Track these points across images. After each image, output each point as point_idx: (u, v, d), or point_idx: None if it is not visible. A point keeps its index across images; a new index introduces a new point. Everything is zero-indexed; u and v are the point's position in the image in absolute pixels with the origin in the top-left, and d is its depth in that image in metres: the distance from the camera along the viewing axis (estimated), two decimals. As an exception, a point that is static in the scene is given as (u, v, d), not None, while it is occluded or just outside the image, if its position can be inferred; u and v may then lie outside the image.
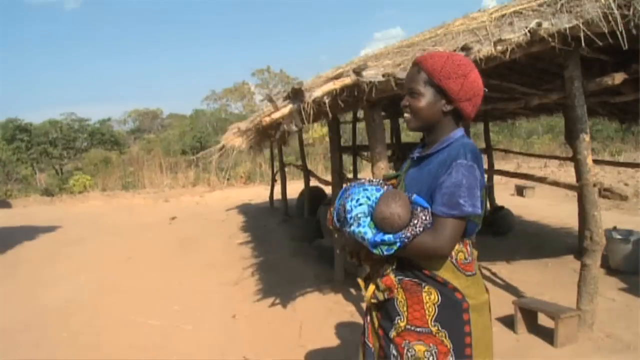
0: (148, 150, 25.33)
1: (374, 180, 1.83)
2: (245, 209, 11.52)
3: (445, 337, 1.65)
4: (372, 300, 1.75)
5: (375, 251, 1.61)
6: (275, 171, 10.00)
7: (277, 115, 2.90)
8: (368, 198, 1.68)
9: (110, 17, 77.33)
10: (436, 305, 1.66)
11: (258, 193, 14.61)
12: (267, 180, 17.72)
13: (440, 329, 1.65)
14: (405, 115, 1.78)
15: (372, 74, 3.00)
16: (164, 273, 6.34)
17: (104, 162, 21.62)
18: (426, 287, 1.67)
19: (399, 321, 1.71)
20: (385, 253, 1.61)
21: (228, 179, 18.34)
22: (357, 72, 3.01)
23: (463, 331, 1.67)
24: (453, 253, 1.66)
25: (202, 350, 4.02)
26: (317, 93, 2.94)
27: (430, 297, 1.66)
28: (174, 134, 28.28)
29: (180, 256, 7.23)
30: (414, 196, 1.66)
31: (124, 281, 6.06)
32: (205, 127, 26.78)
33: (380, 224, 1.61)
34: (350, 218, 1.66)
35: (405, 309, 1.70)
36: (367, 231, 1.61)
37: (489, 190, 7.83)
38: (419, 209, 1.61)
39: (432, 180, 1.65)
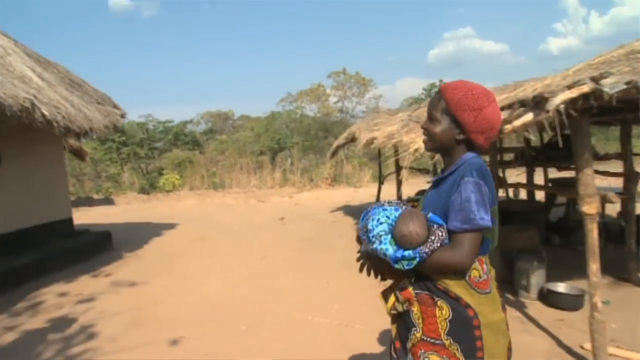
0: (221, 150, 26.12)
1: (392, 201, 1.98)
2: (350, 211, 11.63)
3: (457, 351, 1.74)
4: (392, 312, 1.89)
5: (396, 266, 1.74)
6: (387, 173, 10.05)
7: (519, 123, 2.94)
8: (387, 217, 1.83)
9: (184, 24, 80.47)
10: (447, 321, 1.76)
11: (349, 195, 14.73)
12: (353, 182, 17.90)
13: (452, 342, 1.75)
14: (423, 137, 1.96)
15: (612, 82, 2.99)
16: (306, 273, 6.52)
17: (189, 162, 22.48)
18: (439, 302, 1.78)
19: (415, 332, 1.82)
20: (405, 268, 1.73)
21: (312, 180, 18.61)
22: (595, 80, 3.01)
23: (475, 346, 1.74)
24: (468, 273, 1.77)
25: (382, 349, 4.11)
26: (557, 101, 2.95)
27: (442, 312, 1.77)
28: (246, 135, 29.00)
29: (312, 256, 7.41)
30: (430, 214, 1.79)
31: (272, 280, 6.28)
32: (281, 129, 27.28)
33: (400, 241, 1.75)
34: (373, 236, 1.80)
35: (420, 321, 1.81)
36: (388, 248, 1.75)
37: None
38: (435, 226, 1.75)
39: (445, 200, 1.78)
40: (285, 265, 6.99)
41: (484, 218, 1.70)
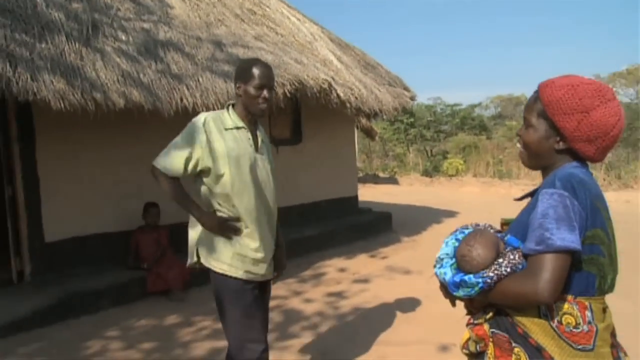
0: (510, 137, 24.44)
1: (481, 224, 1.63)
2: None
3: None
4: (464, 351, 1.63)
5: (455, 294, 1.51)
6: None
7: None
8: (457, 240, 1.59)
9: (479, 8, 79.24)
10: None
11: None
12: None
13: None
14: (518, 145, 1.64)
15: None
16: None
17: (474, 147, 21.76)
18: (516, 349, 1.44)
19: None
20: (464, 295, 1.50)
21: (619, 178, 15.74)
22: None
23: None
24: (557, 316, 1.39)
25: None
26: None
27: None
28: (538, 121, 26.37)
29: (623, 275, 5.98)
30: (508, 236, 1.53)
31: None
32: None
33: (459, 263, 1.52)
34: (436, 260, 1.61)
35: None
36: (447, 271, 1.54)
37: None
38: (508, 248, 1.49)
39: (526, 219, 1.48)
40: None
41: (565, 238, 1.33)
